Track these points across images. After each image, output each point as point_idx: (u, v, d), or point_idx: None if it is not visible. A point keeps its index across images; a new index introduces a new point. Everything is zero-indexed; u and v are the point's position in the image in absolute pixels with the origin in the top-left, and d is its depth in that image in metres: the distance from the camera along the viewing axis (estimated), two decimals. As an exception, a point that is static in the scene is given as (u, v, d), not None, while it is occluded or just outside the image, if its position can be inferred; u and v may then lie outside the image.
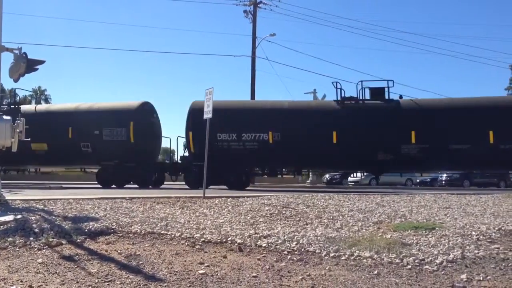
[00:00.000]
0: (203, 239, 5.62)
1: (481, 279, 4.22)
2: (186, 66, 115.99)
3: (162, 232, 6.01)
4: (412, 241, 5.58)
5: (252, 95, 33.61)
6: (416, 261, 4.73)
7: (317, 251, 5.13)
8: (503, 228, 6.41)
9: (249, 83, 34.02)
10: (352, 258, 4.88)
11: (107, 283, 3.90)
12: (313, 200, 9.76)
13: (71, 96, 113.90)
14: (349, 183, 35.53)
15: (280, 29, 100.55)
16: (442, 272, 4.41)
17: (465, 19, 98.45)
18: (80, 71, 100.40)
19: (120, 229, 6.14)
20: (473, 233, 6.01)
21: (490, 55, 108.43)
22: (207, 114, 11.43)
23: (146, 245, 5.37)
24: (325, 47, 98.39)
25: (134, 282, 3.91)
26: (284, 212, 7.92)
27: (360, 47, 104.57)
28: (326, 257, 4.92)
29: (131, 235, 5.86)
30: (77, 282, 3.90)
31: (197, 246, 5.31)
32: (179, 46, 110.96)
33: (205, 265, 4.48)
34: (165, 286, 3.85)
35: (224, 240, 5.60)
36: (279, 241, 5.50)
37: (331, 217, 7.41)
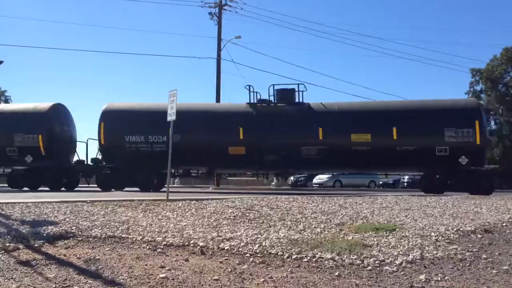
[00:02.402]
0: (165, 243, 5.56)
1: (439, 279, 4.31)
2: (150, 67, 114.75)
3: (123, 235, 5.91)
4: (373, 242, 5.65)
5: (218, 97, 33.52)
6: (377, 262, 4.79)
7: (279, 253, 5.14)
8: (461, 229, 6.57)
9: (215, 85, 33.93)
10: (314, 260, 4.91)
11: (64, 289, 3.80)
12: (277, 202, 9.78)
13: (33, 97, 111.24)
14: (314, 185, 35.80)
15: (246, 32, 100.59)
16: (402, 273, 4.49)
17: (428, 24, 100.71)
18: (40, 72, 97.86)
19: (80, 233, 6.01)
20: (432, 234, 6.14)
21: (452, 60, 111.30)
22: (171, 116, 11.30)
23: (106, 249, 5.27)
24: (290, 50, 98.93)
25: (92, 287, 3.83)
26: (247, 214, 7.91)
27: (325, 51, 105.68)
28: (288, 259, 4.94)
29: (91, 239, 5.74)
30: (34, 288, 3.80)
31: (159, 250, 5.24)
32: (142, 48, 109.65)
33: (166, 268, 4.43)
34: (125, 290, 3.78)
35: (187, 243, 5.55)
36: (242, 244, 5.49)
37: (294, 219, 7.44)
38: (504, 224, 7.11)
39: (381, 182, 37.16)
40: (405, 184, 35.63)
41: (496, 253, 5.33)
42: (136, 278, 4.11)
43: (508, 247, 5.69)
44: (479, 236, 6.22)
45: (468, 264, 4.87)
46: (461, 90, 66.23)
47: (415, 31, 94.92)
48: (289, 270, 4.53)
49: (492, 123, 40.12)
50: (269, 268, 4.61)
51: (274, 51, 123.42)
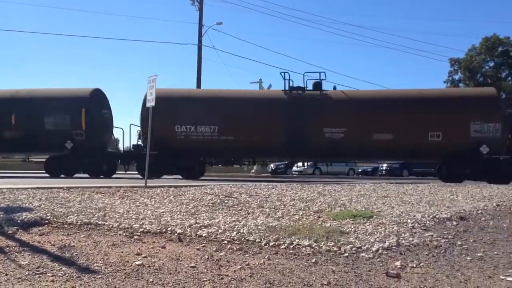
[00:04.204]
0: (142, 230, 5.51)
1: (415, 266, 4.35)
2: (131, 53, 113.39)
3: (99, 222, 5.84)
4: (350, 229, 5.68)
5: (198, 84, 33.38)
6: (353, 249, 4.82)
7: (257, 240, 5.13)
8: (437, 216, 6.64)
9: (196, 72, 33.72)
10: (291, 246, 4.91)
11: (38, 276, 3.74)
12: (256, 189, 9.78)
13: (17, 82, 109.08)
14: (294, 172, 35.99)
15: (228, 18, 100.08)
16: (378, 260, 4.52)
17: (408, 13, 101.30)
18: (23, 57, 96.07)
19: (55, 219, 5.91)
20: (409, 221, 6.20)
21: (432, 49, 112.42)
22: (150, 103, 11.21)
23: (82, 236, 5.20)
24: (271, 37, 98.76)
25: (66, 274, 3.77)
26: (226, 201, 7.89)
27: (307, 38, 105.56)
28: (266, 246, 4.93)
29: (66, 226, 5.66)
30: (6, 275, 3.72)
31: (135, 237, 5.19)
32: (122, 33, 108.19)
33: (143, 256, 4.39)
34: (99, 278, 3.73)
35: (164, 230, 5.51)
36: (220, 231, 5.47)
37: (273, 206, 7.45)
38: (479, 212, 7.20)
39: (360, 170, 37.54)
40: (383, 172, 36.03)
41: (471, 240, 5.41)
42: (111, 265, 4.06)
43: (483, 234, 5.78)
44: (454, 223, 6.30)
45: (443, 251, 4.92)
46: (440, 79, 66.85)
47: (395, 20, 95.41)
48: (266, 257, 4.52)
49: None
50: (247, 255, 4.61)
51: (255, 37, 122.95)
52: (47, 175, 20.63)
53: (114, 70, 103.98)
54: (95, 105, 20.71)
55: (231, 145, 19.54)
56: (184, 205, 7.38)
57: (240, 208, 7.32)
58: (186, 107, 19.73)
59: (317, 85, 20.14)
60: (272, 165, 37.38)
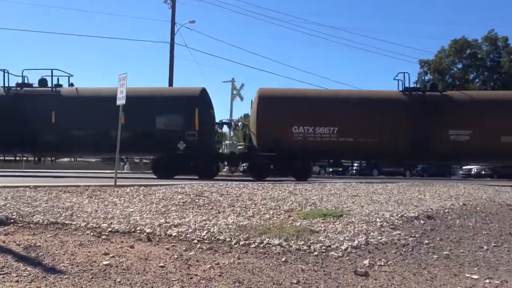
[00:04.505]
0: (110, 229, 5.43)
1: (382, 264, 4.40)
2: (102, 50, 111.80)
3: (66, 222, 5.74)
4: (320, 228, 5.72)
5: (170, 82, 33.06)
6: (323, 247, 4.85)
7: (227, 239, 5.12)
8: (405, 215, 6.74)
9: (168, 70, 33.42)
10: (261, 246, 4.91)
11: (2, 276, 3.64)
12: (227, 188, 9.76)
13: None
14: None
15: (201, 17, 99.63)
16: (347, 258, 4.56)
17: (380, 14, 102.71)
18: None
19: (20, 219, 5.79)
20: (378, 220, 6.27)
21: (403, 51, 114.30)
22: (120, 100, 11.05)
23: (48, 235, 5.09)
24: (244, 36, 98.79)
25: (32, 275, 3.68)
26: (197, 200, 7.85)
27: (280, 38, 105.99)
28: (236, 246, 4.92)
29: (32, 226, 5.54)
30: (-32, 276, 3.62)
31: (103, 236, 5.11)
32: (94, 30, 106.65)
33: (110, 255, 4.32)
34: (66, 278, 3.65)
35: (133, 230, 5.44)
36: (190, 230, 5.43)
37: (244, 206, 7.44)
38: (446, 211, 7.35)
39: (330, 170, 37.81)
40: (354, 171, 36.40)
41: (438, 239, 5.51)
42: (78, 266, 3.99)
43: (449, 233, 5.89)
44: (422, 222, 6.41)
45: (410, 249, 5.00)
46: (410, 81, 67.90)
47: (368, 22, 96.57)
48: (236, 256, 4.51)
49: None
50: (216, 255, 4.58)
51: (228, 36, 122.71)
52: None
53: (84, 68, 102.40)
54: (205, 104, 20.11)
55: (349, 147, 19.10)
56: (154, 204, 7.31)
57: (211, 207, 7.29)
58: (304, 107, 19.33)
59: (434, 87, 20.33)
60: (244, 165, 37.31)
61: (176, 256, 4.40)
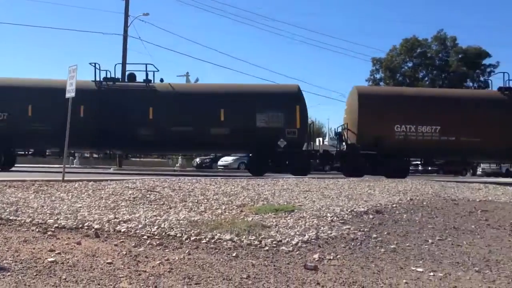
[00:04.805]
0: (56, 225, 5.27)
1: (332, 258, 4.47)
2: (48, 42, 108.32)
3: (10, 218, 5.53)
4: (272, 223, 5.75)
5: (123, 76, 32.44)
6: (274, 242, 4.87)
7: (178, 235, 5.07)
8: (355, 210, 6.87)
9: (121, 63, 32.76)
10: (212, 241, 4.89)
11: None
12: (179, 183, 9.67)
13: None
14: (219, 167, 35.91)
15: (155, 10, 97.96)
16: (297, 253, 4.60)
17: (335, 12, 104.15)
18: None
19: (-40, 215, 5.54)
20: (328, 214, 6.36)
21: (358, 49, 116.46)
22: (70, 93, 10.74)
23: (-9, 232, 4.90)
24: (199, 30, 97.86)
25: (-29, 274, 3.53)
26: (148, 196, 7.74)
27: (235, 33, 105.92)
28: (186, 241, 4.88)
29: (-27, 222, 5.31)
30: None
31: (49, 233, 4.96)
32: (41, 20, 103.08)
33: (56, 252, 4.20)
34: (9, 275, 3.52)
35: (80, 226, 5.31)
36: (140, 226, 5.35)
37: (196, 201, 7.39)
38: (394, 205, 7.53)
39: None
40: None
41: (385, 233, 5.64)
42: (22, 263, 3.85)
43: (396, 227, 6.04)
44: (370, 216, 6.54)
45: (359, 243, 5.10)
46: (362, 78, 69.18)
47: (325, 19, 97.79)
48: (186, 251, 4.48)
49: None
50: (166, 250, 4.53)
51: (182, 30, 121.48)
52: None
53: (34, 60, 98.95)
54: (303, 102, 19.70)
55: (450, 146, 19.15)
56: (104, 200, 7.16)
57: (162, 202, 7.20)
58: (405, 106, 19.35)
59: None
60: (197, 159, 37.15)
61: (124, 252, 4.33)
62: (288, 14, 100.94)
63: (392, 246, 5.02)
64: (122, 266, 3.91)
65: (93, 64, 19.13)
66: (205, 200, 7.50)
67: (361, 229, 5.67)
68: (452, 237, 5.67)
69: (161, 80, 19.95)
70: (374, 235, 5.44)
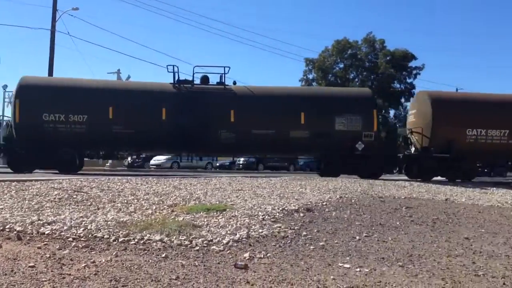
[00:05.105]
0: (-26, 228, 4.99)
1: (262, 256, 4.51)
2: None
3: None
4: (203, 222, 5.72)
5: (50, 72, 31.21)
6: (205, 242, 4.85)
7: (105, 236, 4.93)
8: (286, 208, 6.96)
9: (48, 59, 31.49)
10: (142, 242, 4.80)
11: None
12: (108, 183, 9.41)
13: None
14: (151, 166, 35.34)
15: (85, 5, 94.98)
16: (228, 252, 4.60)
17: (270, 12, 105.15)
18: None
19: None
20: (260, 213, 6.41)
21: (290, 49, 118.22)
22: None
23: None
24: (130, 26, 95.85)
25: None
26: (75, 196, 7.47)
27: (169, 31, 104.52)
28: (114, 243, 4.76)
29: None
30: None
31: (-34, 236, 4.69)
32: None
33: (-27, 257, 3.97)
34: None
35: (1, 228, 5.05)
36: (65, 228, 5.15)
37: (126, 201, 7.22)
38: (324, 203, 7.70)
39: (218, 164, 38.04)
40: (240, 166, 36.97)
41: (315, 230, 5.75)
42: None
43: (326, 224, 6.18)
44: (301, 214, 6.65)
45: (289, 241, 5.17)
46: (295, 78, 70.34)
47: (260, 19, 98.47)
48: (114, 253, 4.36)
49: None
50: (93, 253, 4.40)
51: (113, 26, 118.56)
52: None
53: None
54: (378, 106, 20.12)
55: None
56: (27, 201, 6.84)
57: (89, 203, 6.97)
58: (475, 110, 19.45)
59: None
60: (129, 158, 36.36)
61: (48, 255, 4.15)
62: (225, 14, 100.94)
63: (321, 243, 5.13)
64: (45, 270, 3.75)
65: (172, 66, 18.57)
66: (135, 200, 7.34)
67: (292, 227, 5.76)
68: (378, 234, 5.87)
69: (234, 83, 19.58)
70: (304, 233, 5.54)
